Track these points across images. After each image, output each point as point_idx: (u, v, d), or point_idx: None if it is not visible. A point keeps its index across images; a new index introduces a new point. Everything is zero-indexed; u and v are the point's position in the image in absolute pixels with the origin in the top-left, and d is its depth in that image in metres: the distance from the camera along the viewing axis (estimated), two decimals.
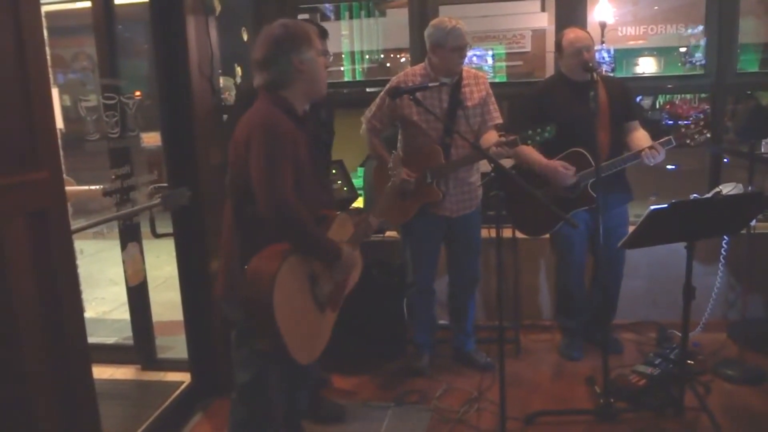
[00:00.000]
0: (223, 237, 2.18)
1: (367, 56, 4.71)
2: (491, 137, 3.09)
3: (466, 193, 3.22)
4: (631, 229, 2.59)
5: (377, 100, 3.22)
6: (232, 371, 2.22)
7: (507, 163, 3.19)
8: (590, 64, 3.00)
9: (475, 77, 3.20)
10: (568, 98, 3.23)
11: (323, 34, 2.74)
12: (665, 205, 2.39)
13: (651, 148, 3.03)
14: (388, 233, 3.85)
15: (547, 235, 3.47)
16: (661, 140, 3.06)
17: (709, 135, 3.02)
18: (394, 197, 2.58)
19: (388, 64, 4.80)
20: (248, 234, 2.06)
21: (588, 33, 3.27)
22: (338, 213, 2.22)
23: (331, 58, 2.63)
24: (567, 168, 3.17)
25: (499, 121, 3.21)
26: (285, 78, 2.06)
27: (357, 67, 4.72)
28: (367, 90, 4.25)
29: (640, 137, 3.24)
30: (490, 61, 4.29)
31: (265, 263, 1.93)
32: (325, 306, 2.15)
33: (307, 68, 2.07)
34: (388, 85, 3.22)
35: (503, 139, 2.93)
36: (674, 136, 3.05)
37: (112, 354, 3.71)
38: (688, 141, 3.01)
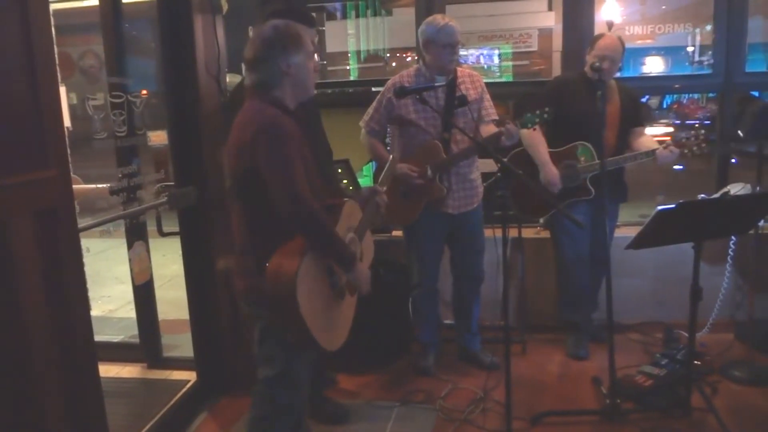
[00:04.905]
0: (235, 238, 2.16)
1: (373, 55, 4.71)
2: (490, 131, 3.12)
3: (468, 190, 3.25)
4: (635, 229, 2.59)
5: (374, 103, 3.27)
6: (239, 369, 2.22)
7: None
8: (596, 65, 3.06)
9: (470, 76, 3.25)
10: (581, 94, 3.30)
11: (310, 22, 2.68)
12: (673, 205, 2.39)
13: (666, 147, 3.14)
14: (394, 232, 3.85)
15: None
16: (672, 143, 3.16)
17: (707, 150, 3.13)
18: (392, 175, 2.56)
19: (394, 64, 4.80)
20: (262, 234, 2.05)
21: (619, 44, 3.25)
22: (345, 200, 2.21)
23: (318, 56, 2.59)
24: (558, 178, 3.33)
25: (495, 117, 3.24)
26: (272, 80, 2.05)
27: (363, 66, 4.72)
28: (373, 90, 4.25)
29: (646, 140, 3.40)
30: (496, 60, 4.29)
31: (286, 261, 1.94)
32: (343, 293, 2.17)
33: (294, 72, 2.05)
34: (385, 87, 3.26)
35: (506, 125, 2.98)
36: (673, 144, 3.16)
37: (118, 352, 3.71)
38: (686, 151, 3.13)
